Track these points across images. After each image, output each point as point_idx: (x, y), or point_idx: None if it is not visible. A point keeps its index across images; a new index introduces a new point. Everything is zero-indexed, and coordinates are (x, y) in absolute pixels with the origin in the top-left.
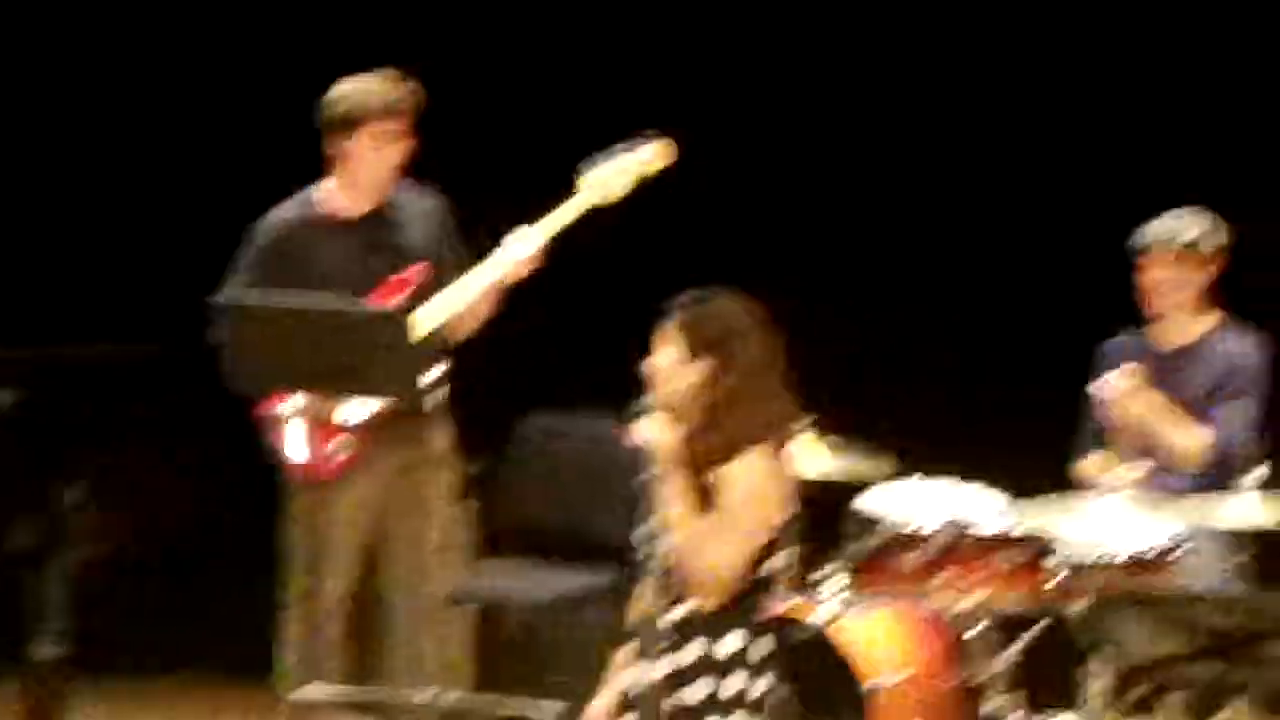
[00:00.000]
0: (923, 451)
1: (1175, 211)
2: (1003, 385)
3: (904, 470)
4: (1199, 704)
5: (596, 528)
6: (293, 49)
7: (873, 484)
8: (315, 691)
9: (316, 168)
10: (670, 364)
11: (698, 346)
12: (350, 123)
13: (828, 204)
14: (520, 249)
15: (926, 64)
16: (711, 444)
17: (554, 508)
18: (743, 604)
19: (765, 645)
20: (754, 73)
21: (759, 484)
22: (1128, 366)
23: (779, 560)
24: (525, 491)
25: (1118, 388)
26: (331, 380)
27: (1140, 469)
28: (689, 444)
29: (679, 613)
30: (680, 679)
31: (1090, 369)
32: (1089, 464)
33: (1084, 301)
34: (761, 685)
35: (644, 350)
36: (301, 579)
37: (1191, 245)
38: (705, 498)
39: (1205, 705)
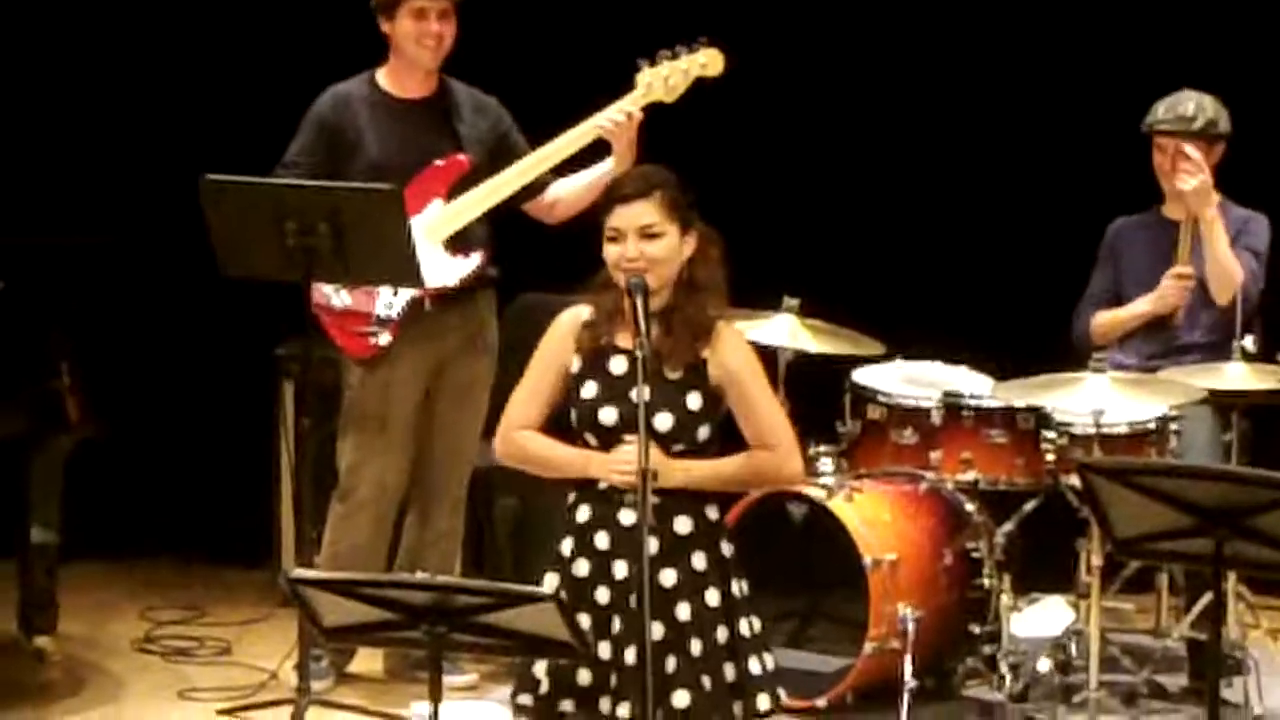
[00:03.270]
0: (905, 336)
1: (1188, 93)
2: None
3: (889, 354)
4: (1189, 581)
5: None
6: None
7: (861, 364)
8: (310, 573)
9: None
10: (669, 242)
11: (685, 221)
12: (391, 3)
13: (818, 91)
14: (613, 111)
15: None
16: (701, 317)
17: None
18: None
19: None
20: None
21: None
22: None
23: None
24: (510, 374)
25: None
26: (322, 263)
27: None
28: (679, 318)
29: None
30: (673, 553)
31: (1099, 247)
32: (1099, 320)
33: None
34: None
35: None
36: (357, 457)
37: (1208, 127)
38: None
39: (1196, 582)
